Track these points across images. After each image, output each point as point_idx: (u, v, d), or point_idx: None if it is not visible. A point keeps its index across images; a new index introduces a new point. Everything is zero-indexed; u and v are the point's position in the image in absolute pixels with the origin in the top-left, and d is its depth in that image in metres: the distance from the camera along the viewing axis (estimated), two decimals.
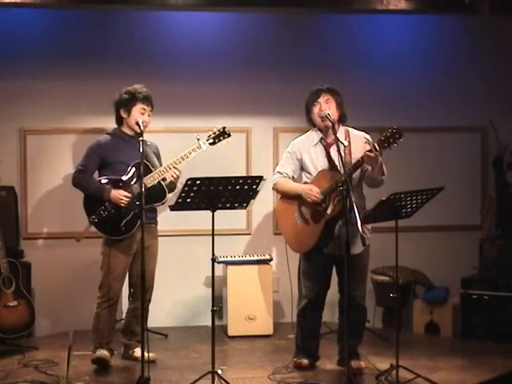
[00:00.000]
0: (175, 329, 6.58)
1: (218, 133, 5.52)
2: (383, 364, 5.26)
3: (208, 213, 4.84)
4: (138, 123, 5.27)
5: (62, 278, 6.56)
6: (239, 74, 6.76)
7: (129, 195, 5.36)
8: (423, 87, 6.93)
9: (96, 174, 5.54)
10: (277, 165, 5.59)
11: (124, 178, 5.41)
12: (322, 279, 5.31)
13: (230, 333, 6.35)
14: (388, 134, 4.91)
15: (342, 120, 5.28)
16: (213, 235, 4.83)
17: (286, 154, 5.41)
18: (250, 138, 6.81)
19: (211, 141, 5.49)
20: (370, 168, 5.08)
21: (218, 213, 4.87)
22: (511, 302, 6.23)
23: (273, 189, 5.44)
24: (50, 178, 6.56)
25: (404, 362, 5.02)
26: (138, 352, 5.44)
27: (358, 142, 5.16)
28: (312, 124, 5.33)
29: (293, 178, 5.35)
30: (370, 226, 5.28)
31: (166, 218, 6.15)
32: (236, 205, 4.94)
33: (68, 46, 6.53)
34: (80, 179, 5.47)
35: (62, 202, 6.51)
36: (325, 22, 6.81)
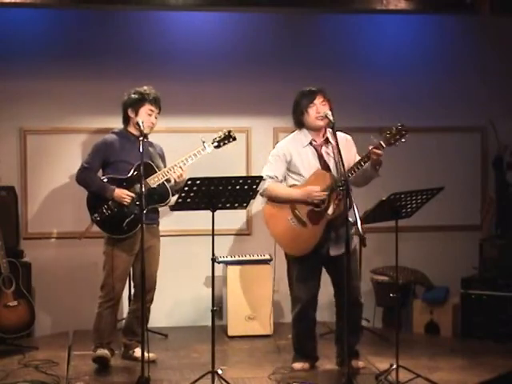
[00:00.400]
0: (175, 329, 6.58)
1: (223, 136, 5.53)
2: (383, 364, 5.26)
3: (208, 213, 4.84)
4: (137, 123, 5.26)
5: (62, 278, 6.56)
6: (239, 73, 6.76)
7: (132, 194, 5.37)
8: (423, 87, 6.93)
9: (100, 173, 5.54)
10: None
11: (128, 177, 5.41)
12: (315, 280, 5.30)
13: (230, 333, 6.35)
14: (394, 131, 4.92)
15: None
16: (213, 235, 4.83)
17: (273, 157, 5.30)
18: (250, 138, 6.81)
19: (216, 144, 5.50)
20: (367, 165, 5.08)
21: (217, 213, 4.87)
22: (511, 302, 6.23)
23: (261, 194, 5.23)
24: (50, 178, 6.56)
25: (404, 362, 5.02)
26: (138, 352, 5.44)
27: (342, 144, 5.13)
28: (300, 125, 5.29)
29: (281, 181, 5.28)
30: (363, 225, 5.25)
31: (166, 218, 6.16)
32: (236, 205, 4.94)
33: (68, 46, 6.53)
34: (84, 177, 5.47)
35: (62, 201, 6.51)
36: (325, 22, 6.81)
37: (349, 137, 5.33)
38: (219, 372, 4.83)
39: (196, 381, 4.89)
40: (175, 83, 6.64)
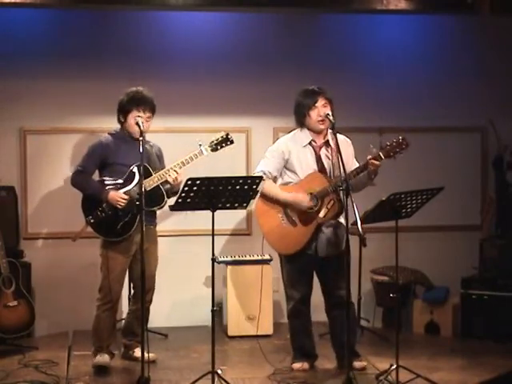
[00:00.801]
0: (175, 329, 6.58)
1: (220, 139, 5.47)
2: (383, 364, 5.26)
3: (208, 213, 4.84)
4: (137, 123, 5.20)
5: (61, 278, 6.56)
6: (239, 73, 6.76)
7: (126, 197, 5.34)
8: (423, 87, 6.93)
9: (97, 174, 5.54)
10: None
11: (123, 179, 5.39)
12: (306, 280, 5.30)
13: (230, 333, 6.35)
14: (394, 144, 4.92)
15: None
16: (213, 235, 4.83)
17: (271, 153, 5.32)
18: (250, 138, 6.81)
19: (213, 147, 5.45)
20: (364, 174, 5.08)
21: (217, 213, 4.87)
22: (511, 302, 6.23)
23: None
24: (50, 178, 6.56)
25: (404, 362, 5.02)
26: (138, 352, 5.44)
27: (342, 146, 5.12)
28: (302, 125, 5.29)
29: (275, 177, 5.30)
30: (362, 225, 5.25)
31: (166, 218, 6.16)
32: (236, 205, 4.93)
33: (68, 45, 6.53)
34: (78, 180, 5.46)
35: (62, 201, 6.51)
36: (325, 22, 6.81)
37: (348, 140, 5.32)
38: (219, 372, 4.83)
39: (196, 381, 4.89)
40: (175, 83, 6.65)
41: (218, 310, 5.27)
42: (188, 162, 5.38)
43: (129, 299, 6.01)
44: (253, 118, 6.83)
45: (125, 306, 6.23)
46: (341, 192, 5.00)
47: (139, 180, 5.22)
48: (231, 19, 6.66)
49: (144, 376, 4.76)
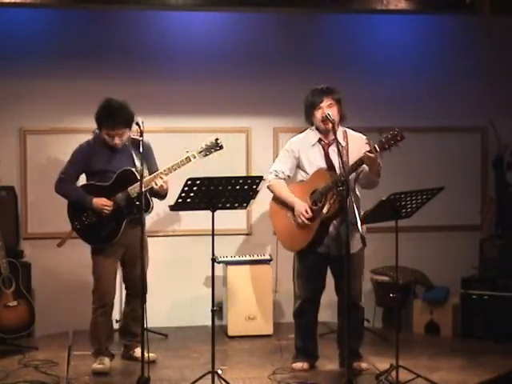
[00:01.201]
0: (175, 329, 6.58)
1: (210, 145, 5.37)
2: (383, 364, 5.26)
3: (208, 213, 4.84)
4: (137, 123, 5.12)
5: (62, 278, 6.56)
6: (239, 73, 6.76)
7: (110, 203, 5.30)
8: (423, 87, 6.93)
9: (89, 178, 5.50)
10: None
11: (107, 185, 5.34)
12: (316, 279, 5.30)
13: (230, 333, 6.35)
14: (389, 136, 4.91)
15: (341, 120, 5.27)
16: (213, 235, 4.83)
17: (283, 152, 5.39)
18: (250, 138, 6.81)
19: (203, 153, 5.35)
20: (367, 169, 5.08)
21: (217, 213, 4.87)
22: (511, 302, 6.23)
23: (268, 187, 5.34)
24: (50, 178, 6.52)
25: (404, 362, 5.02)
26: (138, 352, 5.42)
27: (356, 143, 5.18)
28: (311, 123, 5.32)
29: (288, 176, 5.33)
30: (364, 226, 5.26)
31: (167, 218, 6.16)
32: (236, 205, 4.93)
33: (68, 45, 6.53)
34: (61, 188, 5.44)
35: (62, 201, 6.44)
36: (325, 22, 6.81)
37: (364, 136, 5.28)
38: (219, 372, 4.83)
39: (196, 381, 4.89)
40: (175, 83, 6.65)
41: (217, 310, 5.27)
42: (175, 169, 5.30)
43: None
44: (253, 117, 6.82)
45: (119, 306, 6.21)
46: (342, 191, 4.98)
47: (124, 188, 5.23)
48: (231, 19, 6.66)
49: (144, 376, 4.75)
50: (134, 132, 5.35)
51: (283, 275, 6.26)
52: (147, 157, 5.33)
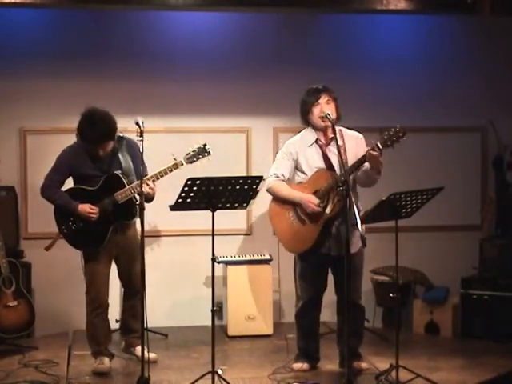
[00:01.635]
0: (175, 329, 6.57)
1: (197, 150, 5.30)
2: (383, 364, 5.26)
3: (208, 213, 4.84)
4: (137, 123, 5.06)
5: (62, 278, 6.56)
6: (239, 73, 6.76)
7: (96, 210, 5.27)
8: (423, 87, 6.93)
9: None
10: None
11: (94, 189, 5.32)
12: (318, 279, 5.29)
13: (230, 333, 6.35)
14: (391, 133, 4.90)
15: (337, 120, 5.25)
16: (213, 235, 4.83)
17: (281, 155, 5.34)
18: (250, 138, 6.81)
19: (191, 159, 5.28)
20: (368, 166, 5.07)
21: (217, 213, 4.87)
22: (511, 302, 6.23)
23: (267, 190, 5.29)
24: None
25: (404, 362, 5.02)
26: (139, 350, 5.41)
27: (352, 142, 5.17)
28: (307, 123, 5.29)
29: (288, 179, 5.30)
30: (363, 226, 5.25)
31: (166, 218, 6.15)
32: (236, 205, 4.93)
33: (68, 45, 6.53)
34: (46, 193, 5.41)
35: None
36: (325, 22, 6.81)
37: (360, 135, 5.29)
38: (219, 372, 4.83)
39: (196, 381, 4.89)
40: (175, 83, 6.65)
41: (217, 310, 5.26)
42: (162, 175, 5.26)
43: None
44: (253, 117, 6.83)
45: (119, 306, 6.21)
46: (342, 191, 4.98)
47: (109, 193, 5.22)
48: (231, 19, 6.66)
49: (144, 376, 4.75)
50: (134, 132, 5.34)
51: (283, 275, 6.26)
52: (135, 156, 5.31)
